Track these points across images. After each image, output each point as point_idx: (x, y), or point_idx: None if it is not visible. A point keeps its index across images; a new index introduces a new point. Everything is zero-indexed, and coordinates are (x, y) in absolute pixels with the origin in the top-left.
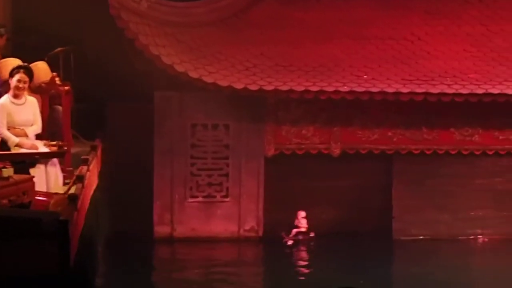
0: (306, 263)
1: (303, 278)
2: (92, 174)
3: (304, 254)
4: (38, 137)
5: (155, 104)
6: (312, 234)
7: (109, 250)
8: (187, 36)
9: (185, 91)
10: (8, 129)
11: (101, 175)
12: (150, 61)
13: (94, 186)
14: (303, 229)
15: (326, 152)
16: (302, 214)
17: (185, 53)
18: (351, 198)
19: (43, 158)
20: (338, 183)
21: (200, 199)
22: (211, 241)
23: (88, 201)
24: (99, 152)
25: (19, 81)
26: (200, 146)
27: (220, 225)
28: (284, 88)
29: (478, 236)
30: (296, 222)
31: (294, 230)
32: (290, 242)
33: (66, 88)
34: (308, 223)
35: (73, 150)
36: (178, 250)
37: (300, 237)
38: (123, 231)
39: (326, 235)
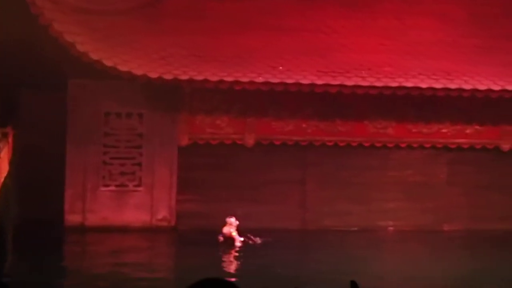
0: (219, 254)
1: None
2: (2, 161)
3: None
4: None
5: (69, 92)
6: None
7: (18, 238)
8: (102, 24)
9: (99, 80)
10: None
11: (12, 163)
12: (64, 49)
13: (5, 174)
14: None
15: (240, 142)
16: (232, 220)
17: (100, 41)
18: (265, 190)
19: None
20: (253, 175)
21: (112, 188)
22: (123, 230)
23: None
24: (10, 139)
25: None
26: (113, 135)
27: (132, 214)
28: (199, 77)
29: (389, 227)
30: (228, 228)
31: (238, 236)
32: (259, 241)
33: None
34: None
35: None
36: (89, 239)
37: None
38: (34, 219)
39: (242, 228)
